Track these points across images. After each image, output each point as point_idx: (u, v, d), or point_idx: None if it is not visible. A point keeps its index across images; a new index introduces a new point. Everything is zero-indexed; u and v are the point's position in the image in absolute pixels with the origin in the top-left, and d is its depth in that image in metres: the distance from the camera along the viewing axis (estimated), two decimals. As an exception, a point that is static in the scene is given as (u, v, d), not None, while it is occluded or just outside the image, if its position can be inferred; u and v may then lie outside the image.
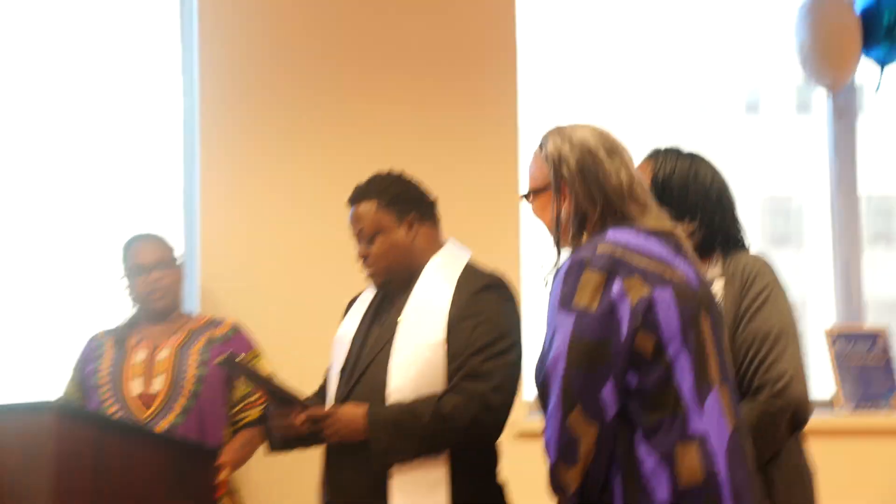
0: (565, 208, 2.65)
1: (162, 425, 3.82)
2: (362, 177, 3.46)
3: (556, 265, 2.65)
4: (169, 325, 4.02)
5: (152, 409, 3.86)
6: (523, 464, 3.41)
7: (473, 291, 3.27)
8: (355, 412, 3.22)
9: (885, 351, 4.56)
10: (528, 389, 4.01)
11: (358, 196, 3.42)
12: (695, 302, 2.55)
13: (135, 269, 3.98)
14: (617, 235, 2.57)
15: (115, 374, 3.91)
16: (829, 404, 4.47)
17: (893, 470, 4.46)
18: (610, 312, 2.48)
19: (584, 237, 2.62)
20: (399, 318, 3.31)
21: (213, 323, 4.08)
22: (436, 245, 3.41)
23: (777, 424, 2.85)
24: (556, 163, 2.65)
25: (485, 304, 3.25)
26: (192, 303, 4.48)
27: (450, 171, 4.31)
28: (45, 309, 4.70)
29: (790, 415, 2.87)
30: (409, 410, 3.17)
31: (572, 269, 2.54)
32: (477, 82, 4.56)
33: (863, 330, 4.64)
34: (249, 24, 4.51)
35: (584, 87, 14.38)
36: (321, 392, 3.52)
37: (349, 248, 3.45)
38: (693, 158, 3.09)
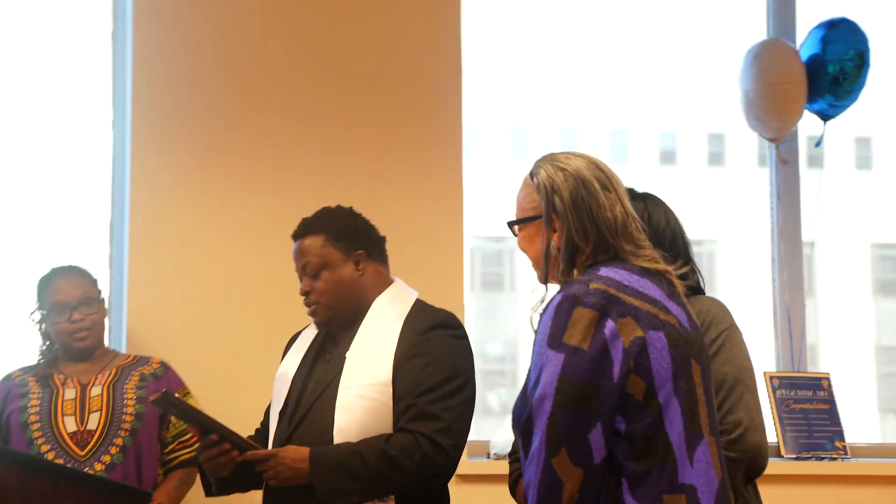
0: (555, 241, 2.49)
1: (100, 464, 3.60)
2: (299, 214, 3.29)
3: (542, 301, 2.50)
4: (94, 363, 3.79)
5: (89, 446, 3.63)
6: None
7: (423, 329, 3.12)
8: (298, 453, 3.03)
9: (829, 396, 4.46)
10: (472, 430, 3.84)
11: (304, 230, 3.25)
12: (687, 347, 2.42)
13: (56, 307, 3.71)
14: (610, 273, 2.41)
15: (46, 411, 3.66)
16: (776, 450, 4.36)
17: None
18: (602, 353, 2.32)
19: (575, 273, 2.47)
20: (346, 354, 3.13)
21: (141, 360, 3.86)
22: (383, 283, 3.25)
23: (733, 473, 2.72)
24: (549, 193, 2.48)
25: (435, 342, 3.10)
26: (119, 343, 4.25)
27: (392, 213, 4.04)
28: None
29: (746, 464, 2.76)
30: (355, 452, 3.00)
31: (563, 304, 2.38)
32: (421, 121, 4.37)
33: (806, 375, 4.54)
34: (185, 55, 4.31)
35: (525, 125, 14.33)
36: (261, 433, 3.33)
37: (283, 285, 3.28)
38: (647, 200, 2.97)
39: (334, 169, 4.27)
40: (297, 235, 3.24)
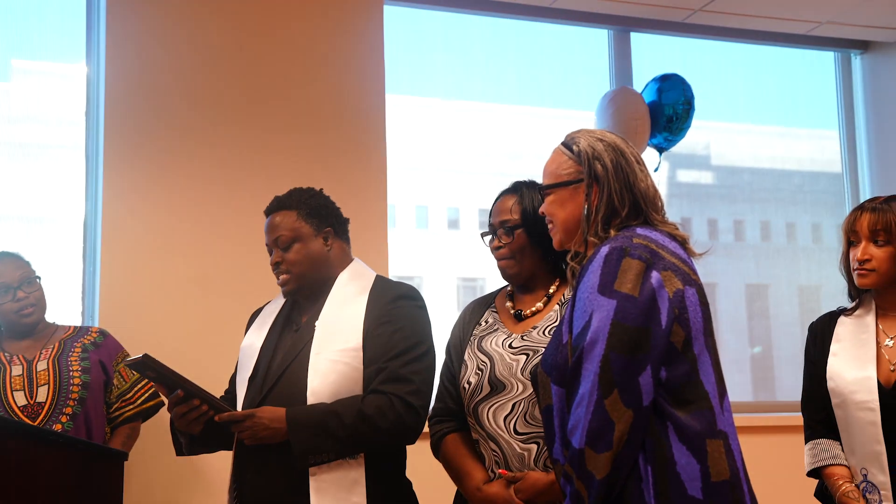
0: (595, 203, 1.85)
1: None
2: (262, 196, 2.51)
3: (584, 256, 1.86)
4: (37, 339, 2.89)
5: (40, 418, 2.74)
6: (415, 464, 2.41)
7: (389, 300, 2.30)
8: (275, 413, 2.19)
9: None
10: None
11: (277, 206, 2.40)
12: (709, 309, 1.81)
13: (0, 289, 2.84)
14: (647, 232, 1.81)
15: None
16: None
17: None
18: (651, 300, 1.70)
19: (612, 233, 1.83)
20: (316, 323, 2.30)
21: (81, 331, 2.96)
22: (346, 260, 2.43)
23: None
24: (591, 159, 1.87)
25: (400, 311, 2.29)
26: (93, 317, 3.29)
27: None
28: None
29: None
30: (332, 412, 2.17)
31: (612, 255, 1.74)
32: (348, 138, 3.58)
33: None
34: (155, 86, 3.42)
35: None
36: (227, 400, 2.43)
37: (241, 269, 2.66)
38: None
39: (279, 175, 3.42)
40: (270, 211, 2.40)
